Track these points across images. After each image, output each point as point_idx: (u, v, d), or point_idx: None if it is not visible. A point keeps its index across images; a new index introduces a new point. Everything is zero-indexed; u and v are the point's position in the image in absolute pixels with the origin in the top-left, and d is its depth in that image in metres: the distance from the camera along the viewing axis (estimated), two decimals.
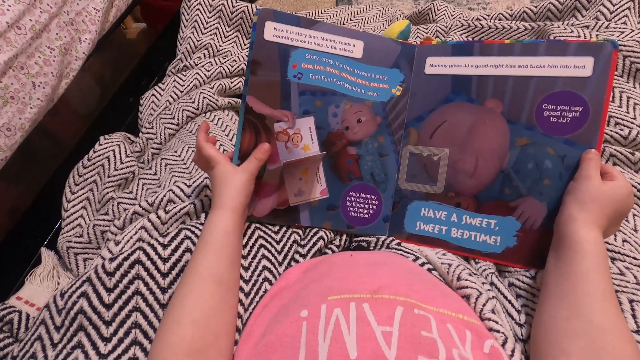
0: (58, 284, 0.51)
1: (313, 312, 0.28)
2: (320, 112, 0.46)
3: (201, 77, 0.77)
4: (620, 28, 0.64)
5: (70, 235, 0.57)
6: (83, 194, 0.61)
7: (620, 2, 0.66)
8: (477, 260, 0.43)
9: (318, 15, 1.07)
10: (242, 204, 0.40)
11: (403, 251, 0.42)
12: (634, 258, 0.39)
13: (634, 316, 0.32)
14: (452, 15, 0.96)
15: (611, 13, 0.67)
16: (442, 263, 0.39)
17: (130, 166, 0.62)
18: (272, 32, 0.43)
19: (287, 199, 0.45)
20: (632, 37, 0.61)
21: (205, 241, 0.37)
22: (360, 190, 0.47)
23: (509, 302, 0.37)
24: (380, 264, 0.34)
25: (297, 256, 0.43)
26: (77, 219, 0.59)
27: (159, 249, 0.38)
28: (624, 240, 0.42)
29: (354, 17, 1.06)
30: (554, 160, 0.40)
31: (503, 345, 0.31)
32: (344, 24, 1.04)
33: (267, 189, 0.45)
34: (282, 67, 0.44)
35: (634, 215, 0.45)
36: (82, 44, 0.64)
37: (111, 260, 0.37)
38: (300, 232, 0.45)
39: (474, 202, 0.43)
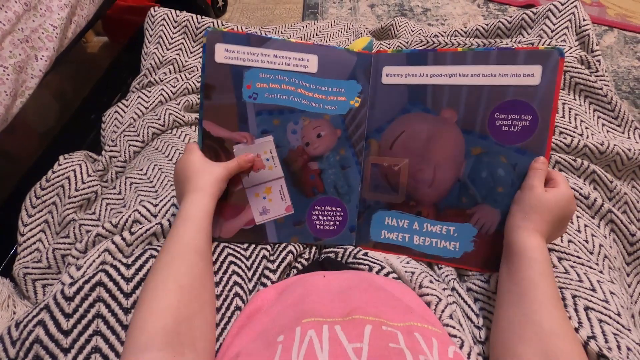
0: (14, 313, 0.49)
1: (288, 336, 0.29)
2: (279, 130, 0.46)
3: (167, 93, 0.76)
4: (560, 45, 0.70)
5: (28, 261, 0.54)
6: (41, 217, 0.58)
7: (559, 21, 0.73)
8: (439, 265, 0.45)
9: (285, 30, 1.09)
10: (218, 194, 0.42)
11: (369, 261, 0.44)
12: (578, 257, 0.43)
13: (576, 310, 0.35)
14: (412, 31, 1.01)
15: (552, 31, 0.73)
16: (405, 271, 0.41)
17: (93, 186, 0.60)
18: (223, 54, 0.43)
19: (253, 218, 0.46)
20: (570, 53, 0.67)
21: (185, 217, 0.38)
22: (325, 204, 0.48)
23: (468, 306, 0.39)
24: (351, 288, 0.35)
25: (267, 272, 0.43)
26: (34, 243, 0.56)
27: (122, 269, 0.38)
28: (569, 241, 0.46)
29: (320, 32, 1.09)
30: (506, 169, 0.42)
31: (460, 348, 0.33)
32: (310, 38, 1.07)
33: (232, 210, 0.45)
34: (236, 88, 0.44)
35: (577, 217, 0.50)
36: (39, 62, 0.62)
37: (71, 284, 0.36)
38: (269, 247, 0.46)
39: (434, 210, 0.45)
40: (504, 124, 0.41)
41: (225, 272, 0.41)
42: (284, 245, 0.46)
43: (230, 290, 0.40)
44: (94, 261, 0.43)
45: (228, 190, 0.45)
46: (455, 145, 0.43)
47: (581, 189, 0.52)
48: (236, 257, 0.44)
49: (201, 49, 0.90)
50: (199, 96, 0.77)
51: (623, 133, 0.66)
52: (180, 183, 0.43)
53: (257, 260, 0.44)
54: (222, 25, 0.88)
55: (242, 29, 0.91)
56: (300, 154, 0.47)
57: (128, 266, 0.38)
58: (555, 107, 0.40)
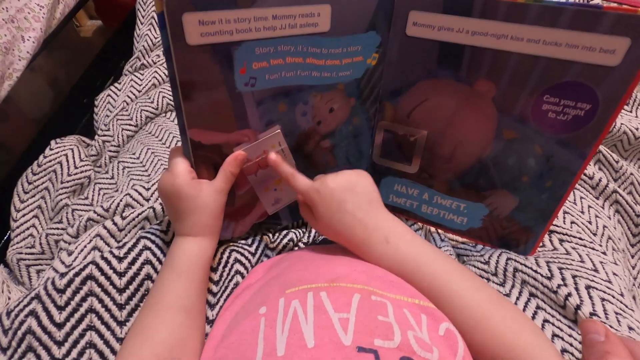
0: (9, 299, 0.48)
1: (271, 307, 0.28)
2: (287, 117, 0.37)
3: (160, 75, 0.74)
4: None
5: (21, 247, 0.53)
6: (34, 202, 0.57)
7: None
8: (442, 238, 0.44)
9: None
10: (219, 229, 0.37)
11: None
12: (580, 238, 0.41)
13: (576, 289, 0.34)
14: None
15: None
16: None
17: (85, 171, 0.59)
18: (198, 29, 0.28)
19: (265, 211, 0.43)
20: None
21: (175, 268, 0.34)
22: None
23: None
24: (339, 256, 0.34)
25: (265, 259, 0.42)
26: (28, 228, 0.55)
27: (114, 262, 0.36)
28: (572, 222, 0.45)
29: None
30: (539, 160, 0.35)
31: None
32: None
33: (242, 212, 0.41)
34: (226, 77, 0.32)
35: (581, 197, 0.48)
36: (26, 43, 0.60)
37: (62, 275, 0.34)
38: (270, 235, 0.45)
39: (446, 186, 0.42)
40: (552, 110, 0.32)
41: (226, 265, 0.40)
42: (284, 233, 0.44)
43: (230, 281, 0.39)
44: (85, 246, 0.42)
45: (234, 195, 0.39)
46: (485, 126, 0.36)
47: (586, 169, 0.50)
48: (237, 245, 0.42)
49: None
50: None
51: (631, 112, 0.64)
52: (168, 209, 0.37)
53: (261, 248, 0.43)
54: None
55: None
56: (312, 136, 0.39)
57: (120, 259, 0.36)
58: (627, 99, 0.29)
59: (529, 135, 0.34)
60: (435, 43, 0.34)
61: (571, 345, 0.32)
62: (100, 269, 0.35)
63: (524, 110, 0.33)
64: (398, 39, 0.35)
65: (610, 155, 0.54)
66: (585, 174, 0.50)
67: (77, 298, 0.34)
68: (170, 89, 0.72)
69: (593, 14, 0.28)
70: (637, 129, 0.56)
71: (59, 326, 0.33)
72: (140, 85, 0.74)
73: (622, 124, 0.56)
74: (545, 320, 0.34)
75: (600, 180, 0.49)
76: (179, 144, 0.61)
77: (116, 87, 0.75)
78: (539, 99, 0.32)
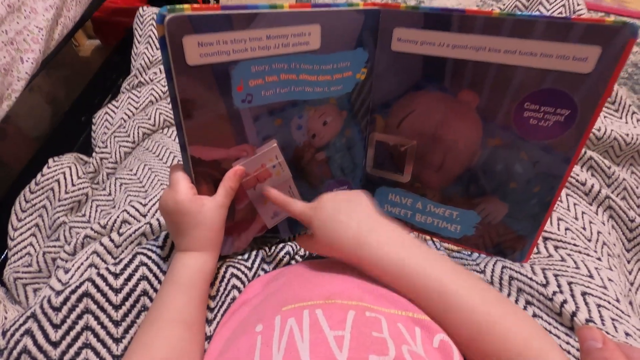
0: (5, 318, 0.48)
1: (267, 325, 0.28)
2: (282, 131, 0.39)
3: (157, 92, 0.75)
4: None
5: (18, 265, 0.53)
6: (31, 221, 0.57)
7: (552, 7, 0.71)
8: (438, 247, 0.45)
9: None
10: (220, 243, 0.38)
11: None
12: (575, 245, 0.42)
13: (572, 295, 0.34)
14: None
15: (547, 11, 0.72)
16: None
17: (83, 188, 0.59)
18: (197, 50, 0.30)
19: (265, 225, 0.44)
20: None
21: (176, 282, 0.34)
22: (332, 187, 0.46)
23: None
24: (335, 272, 0.34)
25: (262, 273, 0.42)
26: (25, 247, 0.55)
27: (110, 278, 0.36)
28: (567, 229, 0.45)
29: None
30: (525, 166, 0.36)
31: None
32: None
33: (242, 226, 0.42)
34: (224, 95, 0.33)
35: (575, 204, 0.49)
36: (25, 64, 0.61)
37: (58, 293, 0.34)
38: (267, 248, 0.45)
39: (439, 195, 0.43)
40: (533, 117, 0.34)
41: (222, 280, 0.40)
42: (281, 246, 0.45)
43: (227, 296, 0.39)
44: (82, 264, 0.42)
45: (234, 210, 0.40)
46: (470, 134, 0.37)
47: (578, 175, 0.51)
48: (234, 260, 0.43)
49: None
50: None
51: (621, 118, 0.65)
52: (169, 225, 0.37)
53: (257, 262, 0.43)
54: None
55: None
56: (307, 149, 0.41)
57: (116, 275, 0.36)
58: (603, 104, 0.31)
59: (514, 142, 0.36)
60: (419, 57, 0.36)
61: (568, 352, 0.32)
62: (97, 286, 0.35)
63: (506, 118, 0.35)
64: (384, 54, 0.38)
65: (602, 162, 0.55)
66: (577, 181, 0.50)
67: (73, 316, 0.34)
68: (167, 105, 0.73)
69: (563, 25, 0.30)
70: (627, 135, 0.57)
71: (55, 345, 0.33)
72: (137, 103, 0.75)
73: (612, 130, 0.57)
74: None
75: (592, 186, 0.50)
76: (177, 160, 0.63)
77: (114, 105, 0.76)
78: (520, 106, 0.34)
